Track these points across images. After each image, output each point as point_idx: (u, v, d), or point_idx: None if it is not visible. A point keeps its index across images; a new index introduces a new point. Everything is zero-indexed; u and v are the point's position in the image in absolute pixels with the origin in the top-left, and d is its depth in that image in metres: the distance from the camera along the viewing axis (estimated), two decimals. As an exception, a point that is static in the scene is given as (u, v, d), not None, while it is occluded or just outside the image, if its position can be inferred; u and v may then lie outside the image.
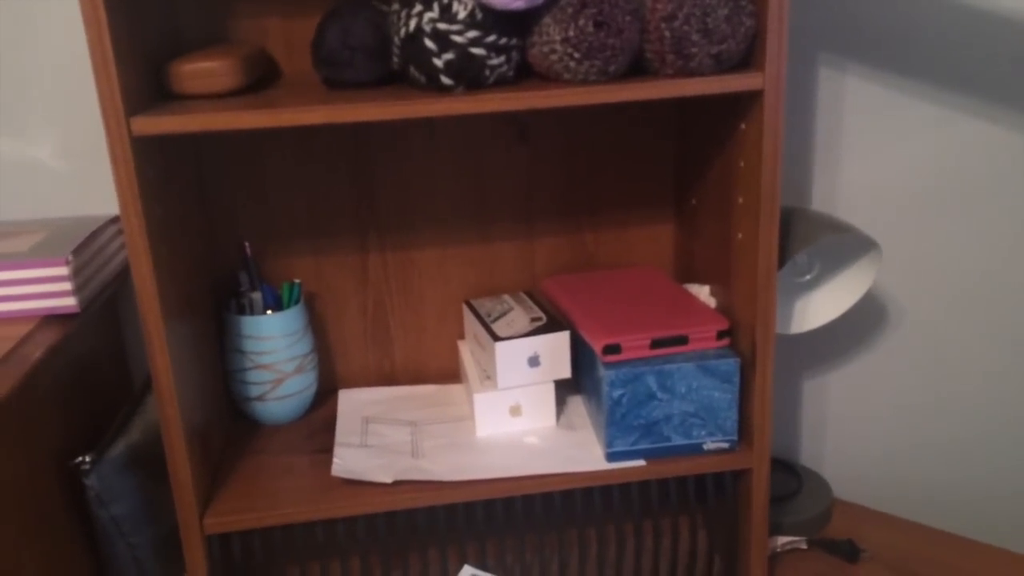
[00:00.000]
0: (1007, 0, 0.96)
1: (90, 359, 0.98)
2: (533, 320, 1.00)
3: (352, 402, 1.08)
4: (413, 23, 0.78)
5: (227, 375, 1.03)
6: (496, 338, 0.97)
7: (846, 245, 1.03)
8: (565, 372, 0.99)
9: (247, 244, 1.01)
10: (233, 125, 0.76)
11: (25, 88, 1.02)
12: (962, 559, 1.06)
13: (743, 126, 0.87)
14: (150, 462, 0.92)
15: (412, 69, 0.81)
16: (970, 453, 1.12)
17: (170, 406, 0.83)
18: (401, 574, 0.99)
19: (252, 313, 1.00)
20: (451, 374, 1.14)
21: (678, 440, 0.94)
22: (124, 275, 1.03)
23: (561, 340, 0.98)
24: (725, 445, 0.94)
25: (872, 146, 1.07)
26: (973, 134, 1.01)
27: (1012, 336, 1.05)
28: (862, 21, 1.04)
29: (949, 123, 1.02)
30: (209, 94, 0.83)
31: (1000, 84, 0.98)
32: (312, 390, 1.06)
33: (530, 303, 1.06)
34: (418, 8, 0.78)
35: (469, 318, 1.07)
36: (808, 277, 1.06)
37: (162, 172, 0.85)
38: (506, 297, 1.09)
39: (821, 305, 1.05)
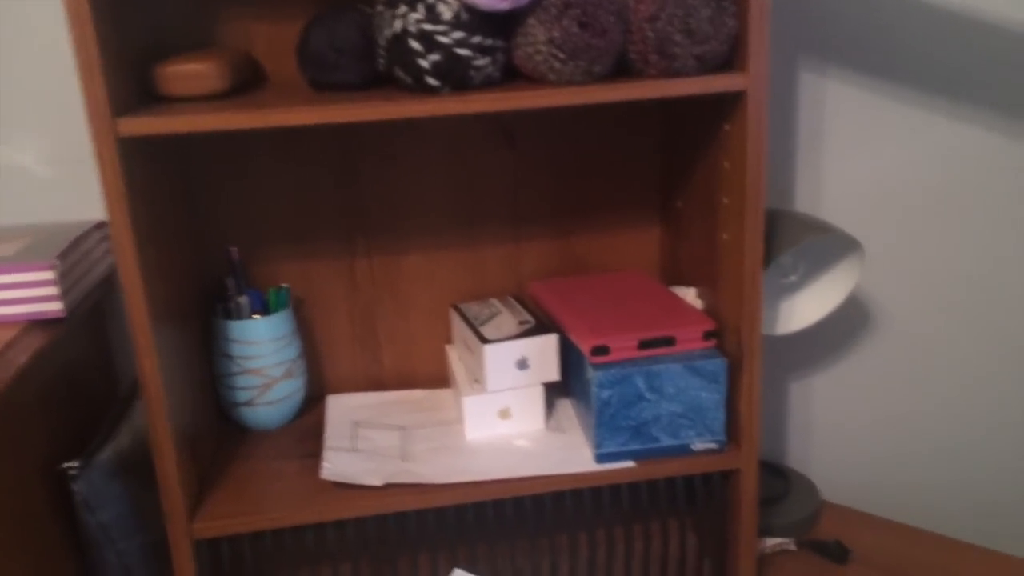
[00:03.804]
0: (986, 3, 0.97)
1: (77, 364, 0.98)
2: (521, 323, 1.01)
3: (341, 407, 1.07)
4: (398, 24, 0.79)
5: (215, 380, 1.02)
6: (485, 341, 0.97)
7: (830, 246, 1.04)
8: (554, 375, 0.99)
9: (234, 249, 1.01)
10: (221, 126, 0.76)
11: (9, 94, 1.02)
12: (951, 560, 1.07)
13: (727, 127, 0.88)
14: (138, 468, 0.92)
15: (398, 70, 0.82)
16: (957, 454, 1.12)
17: (158, 410, 0.83)
18: (391, 579, 0.99)
19: (239, 318, 1.00)
20: (440, 378, 1.14)
21: (667, 441, 0.94)
22: (110, 280, 1.03)
23: (549, 343, 0.98)
24: (714, 445, 0.94)
25: (854, 148, 1.09)
26: (953, 136, 1.03)
27: (997, 336, 1.06)
28: (843, 24, 1.06)
29: (929, 125, 1.03)
30: (195, 96, 0.83)
31: (979, 86, 1.00)
32: (300, 395, 1.05)
33: (518, 307, 1.06)
34: (403, 9, 0.79)
35: (457, 322, 1.07)
36: (793, 278, 1.07)
37: (148, 175, 0.85)
38: (494, 301, 1.09)
39: (806, 306, 1.06)
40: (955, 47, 1.00)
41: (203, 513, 0.88)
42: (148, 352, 0.81)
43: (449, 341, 1.13)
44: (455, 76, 0.80)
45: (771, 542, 1.08)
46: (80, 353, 0.99)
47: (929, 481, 1.15)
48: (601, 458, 0.93)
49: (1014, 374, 1.06)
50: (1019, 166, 0.99)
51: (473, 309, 1.07)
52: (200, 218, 1.04)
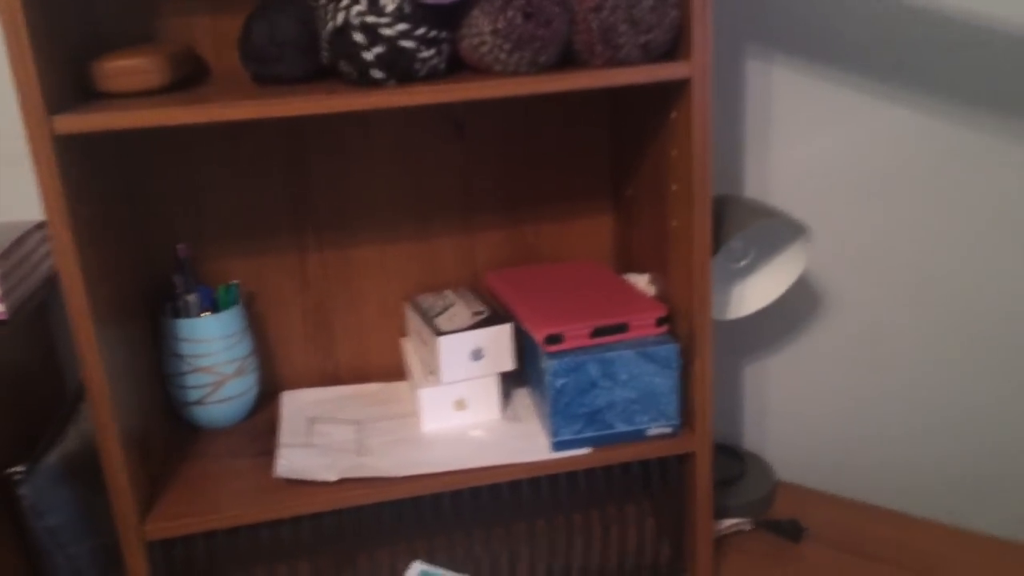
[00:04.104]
0: (925, -12, 0.99)
1: (21, 367, 0.96)
2: (475, 314, 1.01)
3: (295, 403, 1.07)
4: (341, 17, 0.78)
5: (165, 379, 1.01)
6: (438, 332, 0.96)
7: (778, 230, 1.05)
8: (509, 364, 0.99)
9: (182, 246, 1.00)
10: (159, 122, 0.75)
11: (-56, 92, 0.99)
12: (903, 534, 1.09)
13: (673, 115, 0.89)
14: (87, 471, 0.90)
15: (342, 63, 0.81)
16: (906, 431, 1.15)
17: (104, 412, 0.81)
18: (351, 575, 0.98)
19: (188, 316, 0.98)
20: (396, 372, 1.14)
21: (622, 427, 0.95)
22: (53, 281, 1.01)
23: (504, 333, 0.98)
24: (668, 430, 0.95)
25: (801, 134, 1.10)
26: (897, 121, 1.04)
27: (942, 315, 1.08)
28: (787, 12, 1.07)
29: (874, 110, 1.05)
30: (135, 92, 0.82)
31: (922, 72, 1.01)
32: (254, 392, 1.04)
33: (472, 298, 1.06)
34: (345, 2, 0.78)
35: (411, 315, 1.07)
36: (743, 263, 1.08)
37: (88, 173, 0.83)
38: (448, 293, 1.09)
39: (757, 290, 1.07)
40: (897, 34, 1.02)
41: (155, 514, 0.87)
42: (92, 353, 0.79)
43: (404, 334, 1.13)
44: (400, 68, 0.80)
45: (728, 523, 1.10)
46: (24, 355, 0.97)
47: (881, 458, 1.18)
48: (557, 446, 0.94)
49: (961, 352, 1.08)
50: (961, 150, 1.01)
51: (427, 301, 1.07)
52: (146, 216, 1.02)
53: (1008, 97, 0.98)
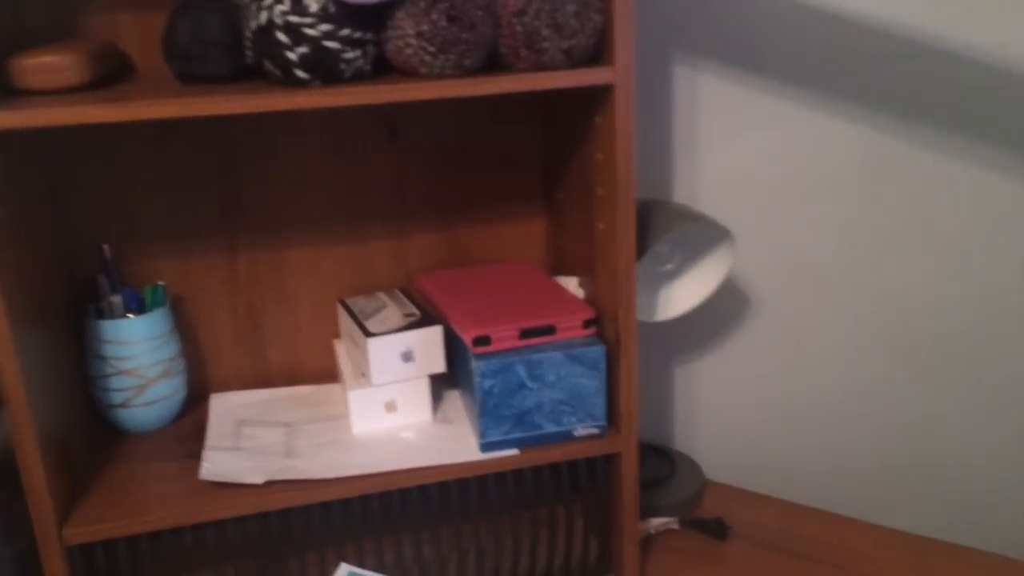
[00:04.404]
0: (850, 2, 1.02)
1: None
2: (407, 316, 1.01)
3: (224, 405, 1.06)
4: (264, 16, 0.78)
5: (89, 382, 0.99)
6: (369, 334, 0.97)
7: (703, 234, 1.07)
8: (439, 366, 1.00)
9: (107, 246, 0.98)
10: (76, 120, 0.74)
11: None
12: (825, 532, 1.12)
13: (598, 120, 0.90)
14: (5, 475, 0.88)
15: (267, 63, 0.81)
16: (830, 431, 1.18)
17: (21, 415, 0.80)
18: (278, 578, 0.98)
19: (112, 317, 0.97)
20: (329, 374, 1.13)
21: (550, 428, 0.96)
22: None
23: (434, 335, 0.98)
24: (595, 431, 0.97)
25: (727, 140, 1.12)
26: (819, 128, 1.07)
27: (863, 317, 1.11)
28: (713, 20, 1.09)
29: (796, 118, 1.08)
30: (53, 89, 0.80)
31: (843, 81, 1.04)
32: (181, 395, 1.03)
33: (404, 300, 1.06)
34: (268, 1, 0.78)
35: (343, 316, 1.06)
36: (670, 266, 1.10)
37: (6, 171, 0.81)
38: (380, 295, 1.09)
39: (683, 293, 1.09)
40: (821, 42, 1.05)
41: (75, 518, 0.85)
42: (7, 355, 0.77)
43: (337, 336, 1.13)
44: (324, 69, 0.80)
45: (656, 522, 1.11)
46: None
47: (806, 457, 1.20)
48: (485, 447, 0.94)
49: (883, 353, 1.12)
50: (880, 156, 1.05)
51: (359, 303, 1.07)
52: (68, 215, 1.01)
53: (924, 107, 1.01)
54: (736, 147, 1.12)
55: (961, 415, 1.08)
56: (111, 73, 0.90)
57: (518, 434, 0.95)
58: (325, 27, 0.78)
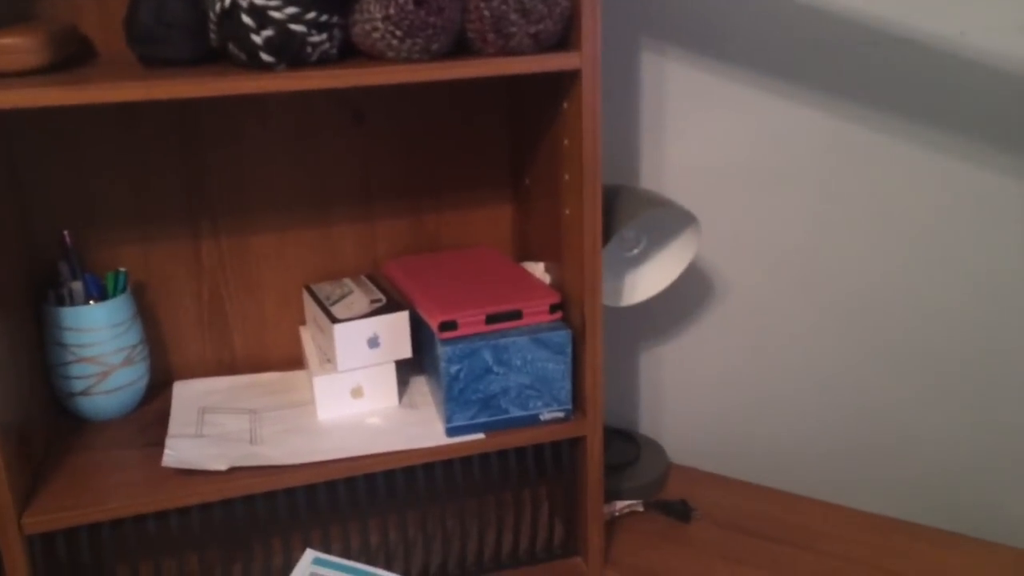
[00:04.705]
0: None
1: None
2: (373, 302, 1.01)
3: (188, 393, 1.05)
4: (228, -2, 0.77)
5: (49, 370, 0.98)
6: (334, 320, 0.96)
7: (669, 220, 1.08)
8: (406, 352, 1.00)
9: (67, 232, 0.97)
10: (38, 102, 0.72)
11: None
12: (786, 512, 1.14)
13: (565, 105, 0.90)
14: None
15: (231, 46, 0.80)
16: (792, 414, 1.20)
17: (-21, 402, 0.78)
18: (243, 566, 0.97)
19: (73, 304, 0.96)
20: (295, 360, 1.13)
21: (516, 412, 0.96)
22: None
23: (400, 320, 0.98)
24: (560, 414, 0.97)
25: (693, 127, 1.13)
26: (785, 115, 1.09)
27: (826, 302, 1.13)
28: (680, 7, 1.10)
29: (763, 105, 1.09)
30: (13, 72, 0.79)
31: (810, 69, 1.06)
32: (143, 382, 1.02)
33: (370, 286, 1.06)
34: (232, -17, 0.77)
35: (309, 303, 1.06)
36: (636, 252, 1.11)
37: (-39, 154, 0.80)
38: (347, 281, 1.09)
39: (649, 278, 1.10)
40: (787, 31, 1.06)
41: (35, 507, 0.84)
42: (-35, 341, 0.76)
43: (303, 322, 1.12)
44: (290, 52, 0.79)
45: (621, 504, 1.13)
46: None
47: (769, 441, 1.22)
48: (451, 431, 0.95)
49: (844, 339, 1.14)
50: (846, 144, 1.06)
51: (325, 289, 1.06)
52: (27, 201, 0.99)
53: (890, 95, 1.03)
54: (702, 133, 1.13)
55: (922, 398, 1.11)
56: (72, 56, 0.89)
57: (484, 418, 0.96)
58: (291, 10, 0.77)
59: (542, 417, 0.97)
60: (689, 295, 1.20)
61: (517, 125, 1.08)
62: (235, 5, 0.77)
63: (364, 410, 1.00)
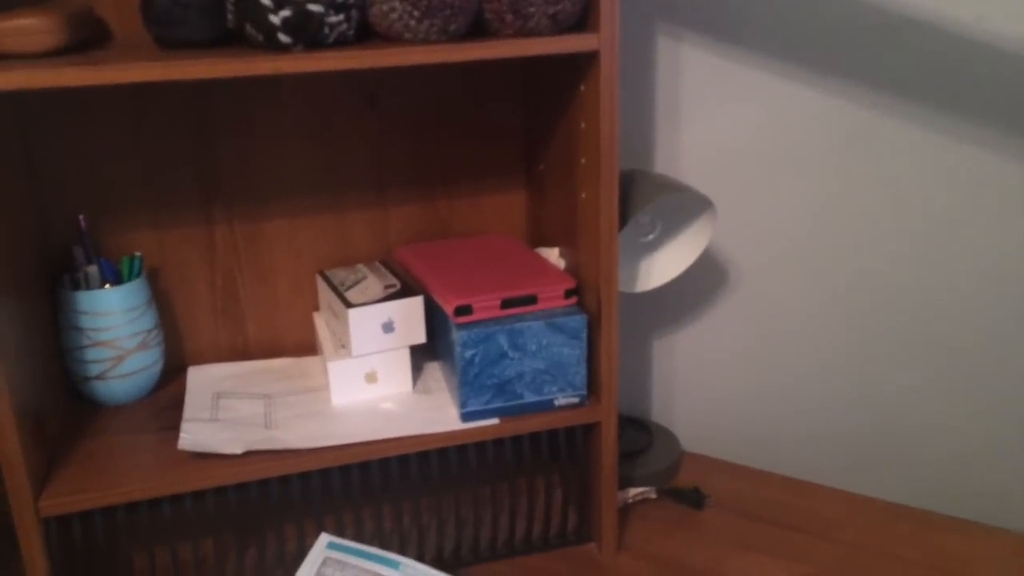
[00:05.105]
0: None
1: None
2: (387, 287, 1.00)
3: (203, 378, 1.05)
4: (245, -22, 0.76)
5: (64, 354, 0.98)
6: (349, 305, 0.96)
7: (684, 205, 1.08)
8: (420, 337, 1.00)
9: (82, 216, 0.97)
10: (54, 83, 0.72)
11: None
12: (799, 499, 1.14)
13: (583, 88, 0.90)
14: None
15: (248, 27, 0.79)
16: (805, 402, 1.20)
17: (-4, 385, 0.78)
18: (257, 551, 0.97)
19: (88, 288, 0.95)
20: (308, 346, 1.13)
21: (530, 397, 0.96)
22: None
23: (415, 305, 0.98)
24: (575, 400, 0.97)
25: (709, 111, 1.13)
26: (801, 101, 1.08)
27: (840, 290, 1.13)
28: (696, -7, 1.09)
29: (779, 91, 1.09)
30: (28, 53, 0.78)
31: (826, 54, 1.05)
32: (158, 367, 1.02)
33: (384, 271, 1.06)
34: (250, -37, 0.76)
35: (323, 288, 1.06)
36: (651, 237, 1.11)
37: (-23, 136, 0.80)
38: (360, 266, 1.08)
39: (664, 264, 1.10)
40: (804, 14, 1.05)
41: (51, 490, 0.84)
42: (-18, 322, 0.76)
43: (316, 308, 1.12)
44: (307, 33, 0.79)
45: (634, 491, 1.12)
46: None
47: (781, 428, 1.22)
48: (466, 417, 0.94)
49: (858, 327, 1.13)
50: (862, 130, 1.06)
51: (339, 275, 1.06)
52: (43, 185, 0.99)
53: (906, 81, 1.02)
54: (718, 118, 1.13)
55: (934, 386, 1.10)
56: (88, 38, 0.88)
57: (498, 404, 0.95)
58: (308, -10, 0.77)
59: (557, 402, 0.97)
60: (700, 282, 1.20)
61: (531, 110, 1.08)
62: (252, -14, 0.77)
63: (378, 395, 1.00)
